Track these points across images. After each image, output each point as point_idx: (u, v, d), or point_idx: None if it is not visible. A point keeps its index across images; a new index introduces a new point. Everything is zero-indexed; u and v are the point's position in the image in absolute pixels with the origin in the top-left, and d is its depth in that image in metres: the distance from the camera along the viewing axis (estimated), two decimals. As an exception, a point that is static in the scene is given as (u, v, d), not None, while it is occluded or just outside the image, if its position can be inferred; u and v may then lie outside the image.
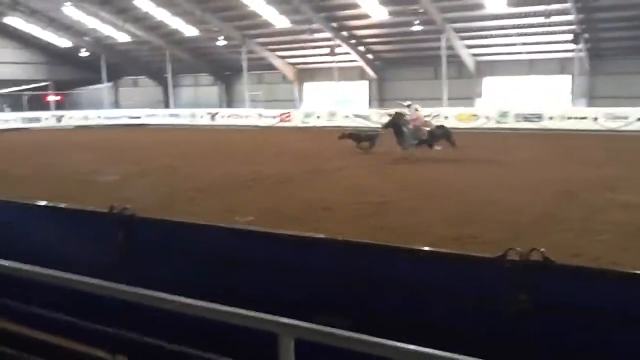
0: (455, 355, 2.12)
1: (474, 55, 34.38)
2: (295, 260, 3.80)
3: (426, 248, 3.59)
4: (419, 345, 2.19)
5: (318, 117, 36.16)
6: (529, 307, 3.00)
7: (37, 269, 3.52)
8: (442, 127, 20.39)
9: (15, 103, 45.43)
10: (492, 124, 30.71)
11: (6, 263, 3.63)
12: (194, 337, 3.26)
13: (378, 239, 5.80)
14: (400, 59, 37.15)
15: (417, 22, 30.86)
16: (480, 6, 29.09)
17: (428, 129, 19.39)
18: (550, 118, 29.54)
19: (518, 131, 28.93)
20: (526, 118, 30.07)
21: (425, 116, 21.85)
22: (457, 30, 31.92)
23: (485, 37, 32.16)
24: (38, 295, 3.92)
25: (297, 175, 15.75)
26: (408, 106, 24.53)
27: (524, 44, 31.49)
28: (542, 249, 3.01)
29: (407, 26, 32.00)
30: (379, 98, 38.44)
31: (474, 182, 14.01)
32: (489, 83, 35.36)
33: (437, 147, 18.96)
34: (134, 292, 3.13)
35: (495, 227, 9.33)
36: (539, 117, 29.84)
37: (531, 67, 33.47)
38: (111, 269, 4.16)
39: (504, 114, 30.70)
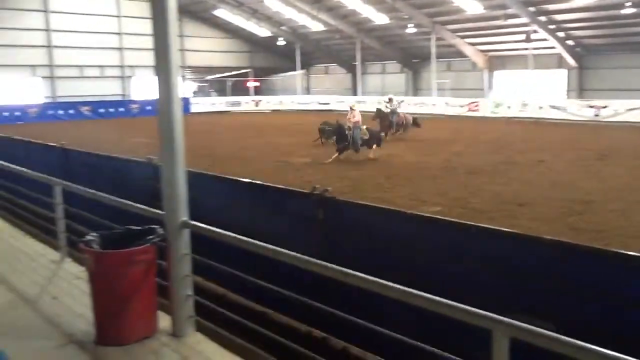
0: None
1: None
2: (499, 257, 3.67)
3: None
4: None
5: (509, 107, 34.49)
6: None
7: (243, 238, 3.84)
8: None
9: (220, 88, 50.09)
10: None
11: (220, 233, 4.01)
12: (396, 321, 3.31)
13: (582, 241, 5.37)
14: (605, 46, 33.84)
15: (629, 4, 27.84)
16: None
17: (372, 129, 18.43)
18: None
19: None
20: None
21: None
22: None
23: None
24: (239, 262, 4.27)
25: (488, 166, 15.15)
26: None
27: None
28: None
29: (615, 9, 29.03)
30: (579, 88, 35.48)
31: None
32: None
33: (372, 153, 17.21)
34: (334, 269, 3.26)
35: None
36: None
37: None
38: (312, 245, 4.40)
39: None
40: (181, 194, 4.20)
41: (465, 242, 3.85)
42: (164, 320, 4.32)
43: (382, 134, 19.39)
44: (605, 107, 30.20)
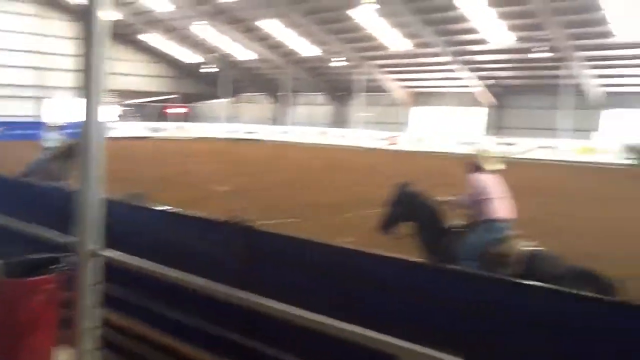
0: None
1: (600, 85, 32.55)
2: (405, 284, 3.73)
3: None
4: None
5: (428, 142, 35.71)
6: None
7: (159, 267, 3.72)
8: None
9: (145, 113, 48.99)
10: (611, 159, 28.79)
11: (134, 261, 3.87)
12: (310, 351, 3.28)
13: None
14: (520, 87, 35.97)
15: (542, 48, 29.78)
16: (609, 34, 27.58)
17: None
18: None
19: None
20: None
21: None
22: (585, 59, 30.40)
23: (614, 66, 30.40)
24: (157, 294, 4.13)
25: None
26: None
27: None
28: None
29: (530, 52, 30.94)
30: (497, 126, 37.29)
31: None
32: (611, 115, 33.24)
33: None
34: (252, 300, 3.21)
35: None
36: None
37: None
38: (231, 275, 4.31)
39: (630, 149, 28.67)
40: (94, 220, 4.02)
41: (381, 271, 3.91)
42: (66, 355, 4.08)
43: None
44: (513, 144, 31.74)
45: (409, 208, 6.59)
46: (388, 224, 6.73)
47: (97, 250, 3.99)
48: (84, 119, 4.01)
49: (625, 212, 14.35)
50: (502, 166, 6.40)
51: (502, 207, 6.10)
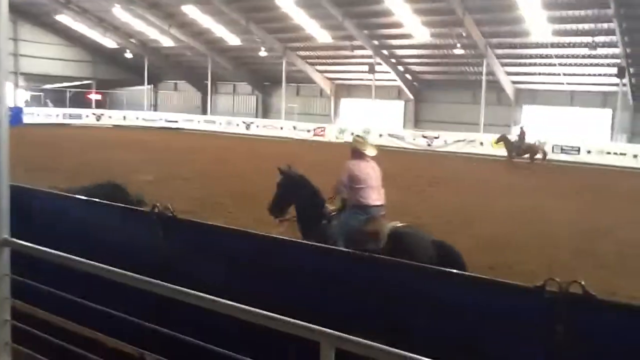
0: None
1: (515, 82, 34.15)
2: (325, 271, 3.83)
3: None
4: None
5: (352, 133, 36.11)
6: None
7: (74, 258, 3.62)
8: None
9: (58, 99, 46.76)
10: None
11: (48, 251, 3.74)
12: (230, 340, 3.30)
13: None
14: (439, 82, 37.07)
15: (459, 45, 30.83)
16: (524, 33, 28.94)
17: None
18: (589, 152, 29.05)
19: (553, 162, 28.55)
20: (563, 150, 29.61)
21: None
22: (499, 57, 31.77)
23: (528, 64, 31.96)
24: (72, 285, 4.01)
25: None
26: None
27: (566, 74, 31.21)
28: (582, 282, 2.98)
29: (448, 49, 32.00)
30: (415, 119, 38.37)
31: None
32: (528, 111, 35.01)
33: None
34: (172, 289, 3.19)
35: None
36: (577, 150, 29.38)
37: (572, 98, 33.04)
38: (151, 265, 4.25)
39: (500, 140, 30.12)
40: (2, 209, 3.85)
41: (302, 259, 4.00)
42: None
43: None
44: (437, 137, 33.00)
45: (291, 191, 6.94)
46: (275, 206, 7.08)
47: (5, 240, 3.83)
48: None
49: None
50: (374, 153, 6.80)
51: (371, 193, 6.50)
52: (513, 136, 26.00)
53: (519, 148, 25.25)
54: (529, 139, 25.93)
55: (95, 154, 21.88)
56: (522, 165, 25.24)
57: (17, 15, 39.04)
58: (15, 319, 3.94)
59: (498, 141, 26.97)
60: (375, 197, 6.52)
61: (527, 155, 25.36)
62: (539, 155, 25.26)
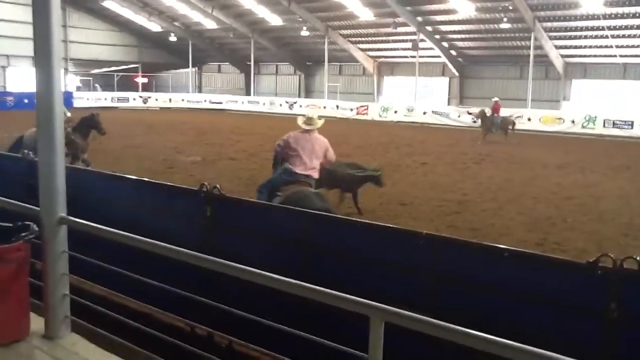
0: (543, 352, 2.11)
1: (564, 56, 33.05)
2: (375, 251, 3.83)
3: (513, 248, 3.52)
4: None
5: (395, 111, 35.88)
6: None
7: (129, 235, 3.73)
8: None
9: (106, 83, 47.91)
10: (577, 129, 29.46)
11: (104, 228, 3.87)
12: (279, 316, 3.35)
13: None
14: (484, 57, 36.24)
15: (505, 19, 30.01)
16: (574, 5, 27.91)
17: None
18: (643, 126, 28.01)
19: (605, 137, 27.65)
20: (616, 124, 28.61)
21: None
22: (547, 30, 30.76)
23: (578, 37, 30.85)
24: (123, 261, 4.13)
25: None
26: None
27: (618, 46, 30.02)
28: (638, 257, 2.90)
29: (494, 23, 31.20)
30: (460, 96, 37.70)
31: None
32: (578, 86, 33.91)
33: None
34: (220, 263, 3.25)
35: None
36: (629, 124, 28.33)
37: (625, 70, 31.81)
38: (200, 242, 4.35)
39: (591, 119, 29.33)
40: (59, 188, 3.99)
41: (348, 237, 4.00)
42: (37, 323, 4.08)
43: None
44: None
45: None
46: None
47: (63, 218, 3.98)
48: (41, 88, 3.94)
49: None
50: (312, 127, 7.27)
51: (298, 162, 7.07)
52: (489, 111, 24.74)
53: (497, 124, 24.16)
54: (503, 113, 25.08)
55: (144, 137, 22.34)
56: (568, 140, 24.46)
57: (66, 2, 39.96)
58: (73, 293, 4.10)
59: (477, 117, 25.93)
60: (301, 166, 7.03)
61: (501, 130, 24.07)
62: (510, 127, 24.01)
